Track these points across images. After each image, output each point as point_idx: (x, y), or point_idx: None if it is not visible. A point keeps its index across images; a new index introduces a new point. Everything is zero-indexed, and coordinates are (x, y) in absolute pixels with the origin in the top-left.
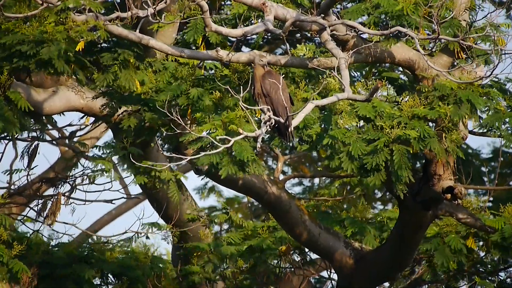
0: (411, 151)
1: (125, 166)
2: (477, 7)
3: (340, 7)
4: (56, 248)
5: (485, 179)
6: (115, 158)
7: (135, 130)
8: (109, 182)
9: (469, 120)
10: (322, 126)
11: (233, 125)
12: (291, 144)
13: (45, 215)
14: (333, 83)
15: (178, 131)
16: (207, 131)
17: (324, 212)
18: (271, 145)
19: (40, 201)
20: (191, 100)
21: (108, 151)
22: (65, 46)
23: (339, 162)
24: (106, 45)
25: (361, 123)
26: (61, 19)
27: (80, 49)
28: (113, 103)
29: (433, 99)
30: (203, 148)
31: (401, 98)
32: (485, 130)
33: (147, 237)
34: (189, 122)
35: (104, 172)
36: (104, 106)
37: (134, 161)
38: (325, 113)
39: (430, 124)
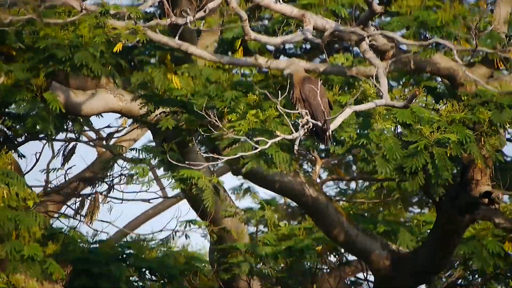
0: (448, 155)
1: (163, 170)
2: None
3: (379, 21)
4: (94, 245)
5: None
6: (153, 161)
7: (173, 131)
8: (146, 183)
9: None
10: (359, 131)
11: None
12: (328, 146)
13: (84, 214)
14: (369, 90)
15: (216, 132)
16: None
17: (360, 214)
18: (305, 144)
19: (77, 199)
20: (226, 103)
21: (146, 154)
22: (102, 48)
23: (373, 166)
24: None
25: (399, 129)
26: (100, 23)
27: (118, 51)
28: (151, 103)
29: (475, 104)
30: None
31: (439, 106)
32: None
33: (187, 236)
34: (227, 125)
35: (140, 177)
36: (143, 104)
37: (172, 161)
38: (362, 118)
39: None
